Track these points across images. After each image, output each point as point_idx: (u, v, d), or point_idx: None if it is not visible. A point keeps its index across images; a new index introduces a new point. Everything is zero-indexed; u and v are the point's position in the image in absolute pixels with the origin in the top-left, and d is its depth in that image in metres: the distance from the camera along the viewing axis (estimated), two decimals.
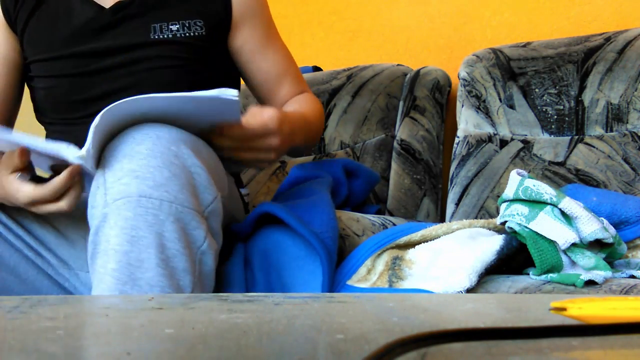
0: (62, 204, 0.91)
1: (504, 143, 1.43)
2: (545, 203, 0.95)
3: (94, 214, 0.84)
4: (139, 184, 0.82)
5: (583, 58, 1.41)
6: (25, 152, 0.92)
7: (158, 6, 1.15)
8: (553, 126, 1.41)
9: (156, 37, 1.13)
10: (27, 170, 0.94)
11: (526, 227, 0.95)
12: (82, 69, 1.14)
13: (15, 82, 1.23)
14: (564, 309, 0.40)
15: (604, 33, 1.44)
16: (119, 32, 1.14)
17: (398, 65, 1.65)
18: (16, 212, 1.05)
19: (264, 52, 1.22)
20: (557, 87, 1.42)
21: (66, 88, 1.15)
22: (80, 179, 0.91)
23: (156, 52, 1.12)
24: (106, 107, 0.84)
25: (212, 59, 1.18)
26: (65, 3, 1.18)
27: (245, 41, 1.20)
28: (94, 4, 1.16)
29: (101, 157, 0.87)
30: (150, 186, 0.82)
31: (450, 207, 1.45)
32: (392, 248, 1.02)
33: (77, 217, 1.14)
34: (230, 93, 0.88)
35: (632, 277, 0.93)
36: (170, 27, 1.13)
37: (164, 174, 0.83)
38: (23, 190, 0.92)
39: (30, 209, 0.94)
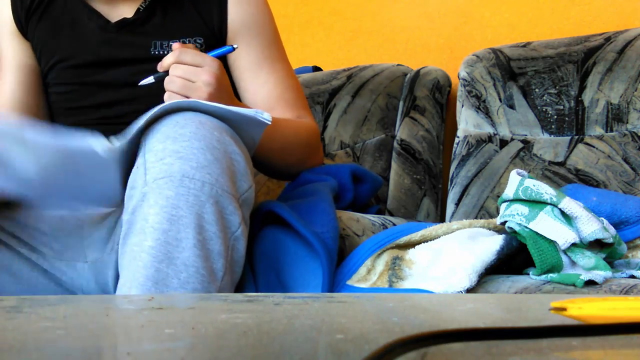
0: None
1: (504, 143, 1.43)
2: (545, 203, 0.95)
3: (132, 195, 0.85)
4: (183, 164, 0.83)
5: (583, 58, 1.41)
6: None
7: (160, 24, 1.17)
8: (553, 126, 1.41)
9: (156, 52, 1.16)
10: None
11: (526, 227, 0.95)
12: (85, 78, 1.18)
13: (37, 86, 1.25)
14: (564, 309, 0.40)
15: (604, 33, 1.44)
16: (121, 46, 1.17)
17: (398, 65, 1.66)
18: (6, 208, 1.05)
19: (256, 72, 1.20)
20: (557, 87, 1.42)
21: (71, 96, 1.19)
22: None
23: (155, 68, 1.12)
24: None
25: None
26: (70, 13, 1.20)
27: (236, 58, 1.19)
28: (100, 16, 1.19)
29: (140, 140, 0.88)
30: (194, 167, 0.83)
31: (450, 207, 1.45)
32: (392, 248, 1.02)
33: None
34: (266, 116, 0.90)
35: (632, 277, 0.93)
36: (171, 43, 1.15)
37: (207, 157, 0.84)
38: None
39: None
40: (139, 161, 0.86)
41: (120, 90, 1.16)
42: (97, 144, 0.87)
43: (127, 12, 1.19)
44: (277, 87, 1.21)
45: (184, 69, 0.98)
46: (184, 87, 0.97)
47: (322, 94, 1.64)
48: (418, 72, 1.61)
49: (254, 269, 1.02)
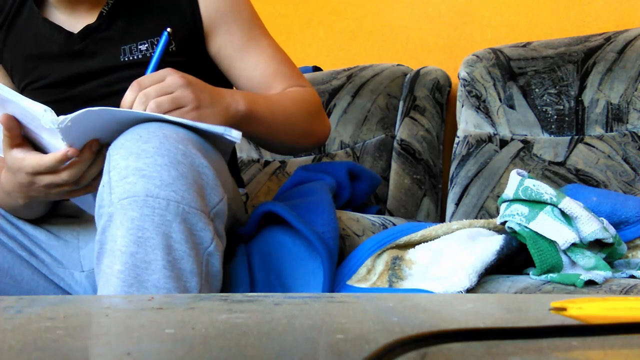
0: (63, 175, 0.90)
1: (504, 143, 1.43)
2: (545, 203, 0.95)
3: (101, 214, 0.83)
4: (146, 183, 0.80)
5: (583, 58, 1.41)
6: (11, 118, 0.90)
7: (125, 27, 1.11)
8: (553, 126, 1.41)
9: (126, 59, 1.10)
10: (26, 144, 0.93)
11: (526, 227, 0.95)
12: (58, 96, 1.13)
13: None
14: (564, 309, 0.40)
15: (604, 33, 1.44)
16: (89, 58, 1.11)
17: (398, 65, 1.66)
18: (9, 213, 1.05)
19: (244, 57, 1.15)
20: (557, 87, 1.42)
21: None
22: (90, 156, 0.89)
23: (128, 75, 1.06)
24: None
25: (190, 73, 1.10)
26: (33, 28, 1.15)
27: (221, 48, 1.15)
28: (61, 29, 1.12)
29: (106, 155, 0.86)
30: (157, 185, 0.80)
31: (450, 207, 1.45)
32: (392, 248, 1.02)
33: (70, 217, 1.14)
34: (234, 135, 0.89)
35: (632, 277, 0.93)
36: (139, 47, 1.10)
37: (171, 173, 0.81)
38: (28, 159, 0.90)
39: (31, 183, 0.92)
40: (105, 179, 0.83)
41: (96, 103, 1.06)
42: (43, 116, 0.85)
43: (89, 18, 1.12)
44: (271, 64, 1.16)
45: (155, 88, 0.90)
46: (172, 101, 0.90)
47: (322, 94, 1.64)
48: (418, 72, 1.61)
49: (254, 269, 1.02)
